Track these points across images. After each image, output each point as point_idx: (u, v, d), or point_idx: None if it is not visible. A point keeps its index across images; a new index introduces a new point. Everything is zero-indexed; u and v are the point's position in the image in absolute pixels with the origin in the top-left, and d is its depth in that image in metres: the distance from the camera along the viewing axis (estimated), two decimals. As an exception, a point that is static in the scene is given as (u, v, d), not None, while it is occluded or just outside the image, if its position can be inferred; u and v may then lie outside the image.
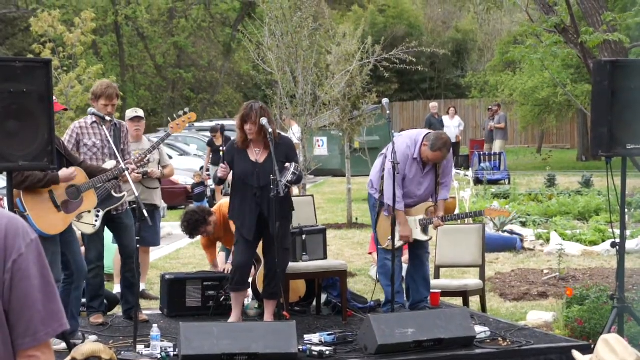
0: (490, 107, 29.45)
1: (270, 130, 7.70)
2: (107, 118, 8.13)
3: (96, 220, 7.88)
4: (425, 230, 8.59)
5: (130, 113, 9.77)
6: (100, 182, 7.70)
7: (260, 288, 8.40)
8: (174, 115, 8.60)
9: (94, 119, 8.18)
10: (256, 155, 7.92)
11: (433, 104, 29.12)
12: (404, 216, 8.36)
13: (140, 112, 9.83)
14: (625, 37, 9.73)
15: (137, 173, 8.52)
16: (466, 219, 9.91)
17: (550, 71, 15.60)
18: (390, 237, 8.15)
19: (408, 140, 8.48)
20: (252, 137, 7.87)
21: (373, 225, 8.83)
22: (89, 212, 7.75)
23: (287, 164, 7.69)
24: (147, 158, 8.45)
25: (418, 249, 8.67)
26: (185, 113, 8.57)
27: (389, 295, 8.37)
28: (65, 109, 7.65)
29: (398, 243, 8.40)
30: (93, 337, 7.71)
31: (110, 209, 7.99)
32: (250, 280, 8.39)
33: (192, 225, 8.86)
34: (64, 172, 7.41)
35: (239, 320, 8.00)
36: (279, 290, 7.80)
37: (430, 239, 8.74)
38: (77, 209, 7.56)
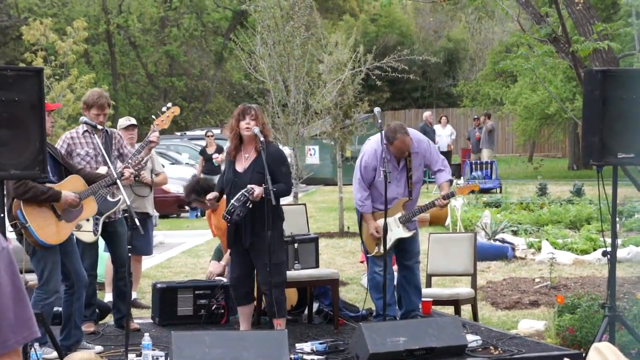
0: (476, 117, 29.47)
1: (262, 138, 7.69)
2: (99, 127, 8.13)
3: (96, 228, 7.87)
4: (408, 227, 8.57)
5: (124, 122, 9.75)
6: (98, 189, 7.66)
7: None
8: (158, 112, 8.57)
9: (86, 128, 8.17)
10: (244, 162, 7.83)
11: (427, 113, 29.13)
12: (370, 215, 8.44)
13: (134, 121, 9.82)
14: (619, 46, 9.73)
15: (131, 172, 8.44)
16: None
17: (545, 84, 15.57)
18: (377, 244, 8.17)
19: (375, 144, 8.48)
20: (249, 134, 7.76)
21: (360, 235, 8.81)
22: (87, 220, 7.73)
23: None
24: (144, 161, 8.37)
25: (407, 260, 8.61)
26: (168, 108, 8.53)
27: (380, 308, 8.34)
28: (58, 106, 7.65)
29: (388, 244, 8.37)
30: (99, 348, 7.68)
31: (106, 216, 7.99)
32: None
33: (188, 191, 9.11)
34: (66, 196, 7.34)
35: None
36: (280, 308, 7.66)
37: (414, 232, 8.65)
38: (78, 217, 7.53)
